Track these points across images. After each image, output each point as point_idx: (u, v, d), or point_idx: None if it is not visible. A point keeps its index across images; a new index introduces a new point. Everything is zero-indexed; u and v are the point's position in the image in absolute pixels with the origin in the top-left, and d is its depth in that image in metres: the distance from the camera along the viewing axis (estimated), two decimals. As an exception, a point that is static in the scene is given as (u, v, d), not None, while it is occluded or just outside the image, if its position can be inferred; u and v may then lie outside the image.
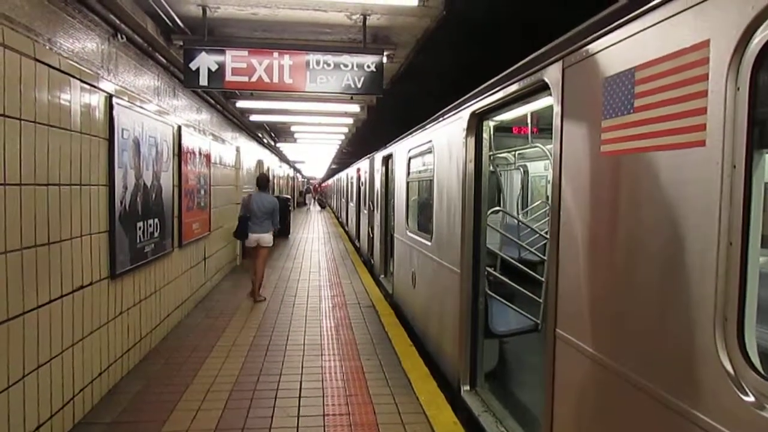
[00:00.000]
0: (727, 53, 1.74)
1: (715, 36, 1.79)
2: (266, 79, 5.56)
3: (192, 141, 7.66)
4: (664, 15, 2.04)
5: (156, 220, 6.00)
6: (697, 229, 1.86)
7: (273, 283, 10.29)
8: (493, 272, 5.13)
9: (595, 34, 2.52)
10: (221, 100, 9.52)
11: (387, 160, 10.13)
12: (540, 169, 10.24)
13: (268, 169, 19.20)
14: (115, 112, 4.79)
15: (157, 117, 6.05)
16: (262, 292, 8.88)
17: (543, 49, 3.22)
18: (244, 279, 10.61)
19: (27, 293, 3.49)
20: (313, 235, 20.02)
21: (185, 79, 5.54)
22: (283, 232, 18.41)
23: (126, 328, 5.23)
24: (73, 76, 4.12)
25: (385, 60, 5.82)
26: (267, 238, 8.70)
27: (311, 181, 70.59)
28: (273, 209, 8.73)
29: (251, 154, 14.63)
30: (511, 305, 4.94)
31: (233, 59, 5.50)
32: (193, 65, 5.45)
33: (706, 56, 1.83)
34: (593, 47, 2.54)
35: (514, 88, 3.64)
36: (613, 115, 2.34)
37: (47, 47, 3.79)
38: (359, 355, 5.98)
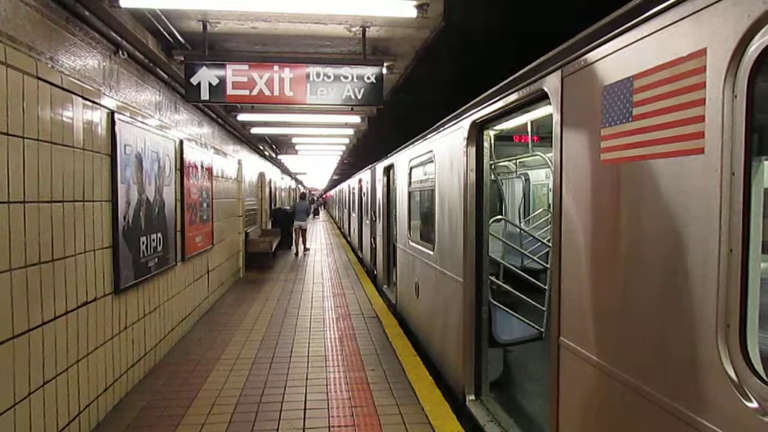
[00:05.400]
0: (724, 61, 1.75)
1: (712, 44, 1.81)
2: (267, 93, 5.59)
3: (194, 155, 7.69)
4: (661, 24, 2.06)
5: (159, 234, 6.01)
6: (698, 236, 1.87)
7: (276, 296, 10.29)
8: (496, 281, 5.12)
9: (593, 43, 2.54)
10: (222, 113, 9.56)
11: (388, 170, 10.15)
12: (541, 177, 10.25)
13: (270, 181, 19.31)
14: (117, 128, 4.82)
15: (158, 132, 6.08)
16: (308, 246, 18.16)
17: (542, 59, 3.23)
18: (247, 291, 10.65)
19: (32, 310, 3.50)
20: (316, 246, 20.02)
21: (186, 94, 5.56)
22: (285, 243, 18.48)
23: (131, 342, 5.24)
24: (75, 93, 4.15)
25: (384, 71, 5.85)
26: (305, 225, 17.56)
27: (313, 192, 70.64)
28: (307, 209, 17.83)
29: (253, 166, 14.68)
30: (514, 314, 4.94)
31: (234, 73, 5.53)
32: (194, 80, 5.48)
33: (703, 64, 1.84)
34: (592, 56, 2.56)
35: (513, 97, 3.66)
36: (613, 123, 2.35)
37: (49, 65, 3.83)
38: (364, 366, 5.97)
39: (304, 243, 17.76)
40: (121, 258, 4.90)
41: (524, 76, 3.49)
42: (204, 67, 5.49)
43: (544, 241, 6.22)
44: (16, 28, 3.45)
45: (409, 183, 7.80)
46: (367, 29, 5.58)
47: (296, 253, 17.21)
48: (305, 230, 17.72)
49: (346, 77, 5.67)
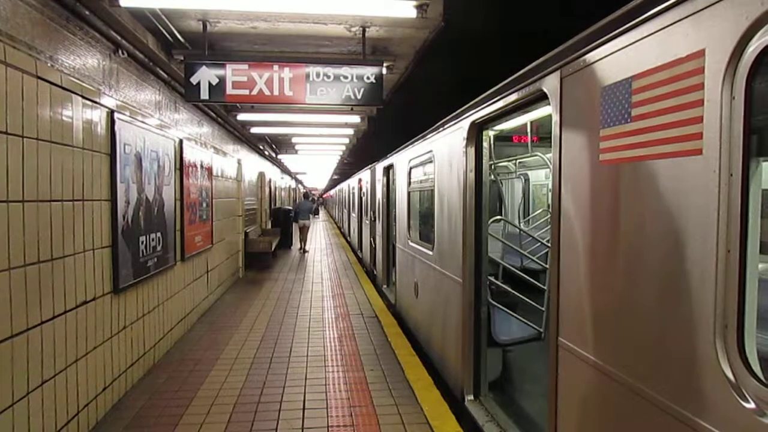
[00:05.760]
0: (722, 62, 1.75)
1: (711, 45, 1.81)
2: (267, 92, 5.58)
3: (193, 154, 7.69)
4: (660, 25, 2.06)
5: (158, 234, 6.02)
6: (696, 236, 1.87)
7: (275, 295, 10.29)
8: (495, 281, 5.12)
9: (592, 44, 2.54)
10: (222, 113, 9.56)
11: (388, 170, 10.15)
12: (541, 178, 10.24)
13: (270, 181, 19.36)
14: (116, 128, 4.82)
15: (158, 131, 6.08)
16: (307, 248, 18.63)
17: (541, 59, 3.24)
18: (247, 291, 10.67)
19: (31, 309, 3.50)
20: (315, 246, 20.03)
21: (186, 94, 5.56)
22: (284, 244, 18.52)
23: (130, 342, 5.24)
24: (75, 93, 4.15)
25: (384, 71, 5.85)
26: (308, 223, 18.52)
27: (312, 191, 70.71)
28: (310, 208, 19.06)
29: (253, 166, 14.68)
30: (513, 314, 4.94)
31: (234, 73, 5.52)
32: (193, 79, 5.48)
33: (701, 65, 1.84)
34: (590, 57, 2.56)
35: (513, 97, 3.66)
36: (611, 124, 2.35)
37: (49, 64, 3.83)
38: (363, 366, 5.97)
39: (305, 242, 18.48)
40: (121, 257, 4.90)
41: (523, 76, 3.50)
42: (204, 67, 5.49)
43: (544, 241, 6.21)
44: (16, 27, 3.45)
45: (409, 183, 7.80)
46: (366, 29, 5.58)
47: (300, 249, 18.35)
48: (308, 228, 18.72)
49: (345, 77, 5.67)
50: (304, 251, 18.17)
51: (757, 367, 1.68)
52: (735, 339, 1.71)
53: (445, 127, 5.46)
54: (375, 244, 12.21)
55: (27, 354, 3.46)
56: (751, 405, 1.65)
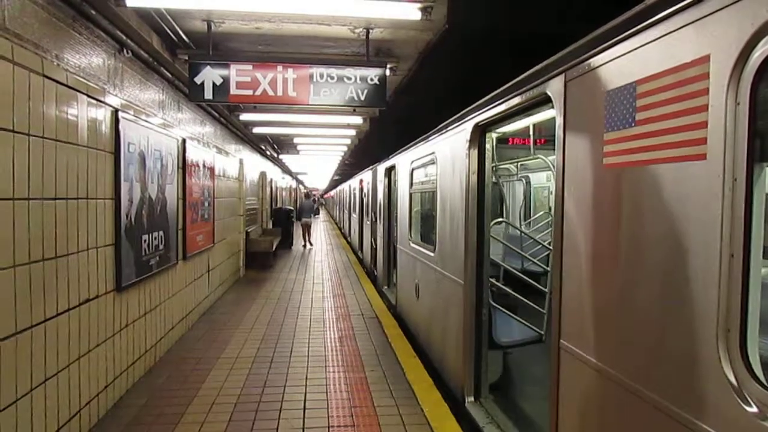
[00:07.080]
0: (727, 68, 1.77)
1: (716, 51, 1.82)
2: (270, 93, 5.60)
3: (196, 154, 7.71)
4: (665, 30, 2.07)
5: (161, 232, 6.03)
6: (699, 241, 1.88)
7: (276, 295, 10.31)
8: (497, 283, 5.13)
9: (597, 48, 2.55)
10: (225, 113, 9.58)
11: (390, 171, 10.16)
12: (542, 180, 10.27)
13: (271, 181, 19.40)
14: (120, 126, 4.84)
15: (162, 130, 6.10)
16: (312, 242, 20.00)
17: (545, 63, 3.25)
18: (248, 290, 10.69)
19: (35, 307, 3.51)
20: (316, 247, 20.05)
21: (190, 93, 5.58)
22: (285, 243, 18.52)
23: (131, 340, 5.25)
24: (80, 91, 4.17)
25: (388, 73, 5.87)
26: (310, 221, 19.97)
27: (313, 192, 70.77)
28: (312, 208, 20.67)
29: (254, 166, 14.69)
30: (514, 316, 4.95)
31: (238, 73, 5.54)
32: (197, 79, 5.50)
33: (706, 71, 1.85)
34: (595, 61, 2.58)
35: (516, 100, 3.67)
36: (616, 128, 2.36)
37: (55, 63, 3.84)
38: (363, 367, 5.98)
39: (309, 238, 19.84)
40: (123, 256, 4.91)
41: (527, 79, 3.51)
42: (208, 67, 5.51)
43: (545, 243, 6.23)
44: (23, 26, 3.47)
45: (411, 184, 7.81)
46: (370, 31, 5.60)
47: (304, 246, 19.50)
48: (310, 226, 20.10)
49: (349, 78, 5.69)
50: (310, 245, 19.58)
51: (759, 371, 1.69)
52: (738, 343, 1.72)
53: (448, 129, 5.48)
54: (376, 245, 12.22)
55: (31, 351, 3.47)
56: (754, 409, 1.66)
